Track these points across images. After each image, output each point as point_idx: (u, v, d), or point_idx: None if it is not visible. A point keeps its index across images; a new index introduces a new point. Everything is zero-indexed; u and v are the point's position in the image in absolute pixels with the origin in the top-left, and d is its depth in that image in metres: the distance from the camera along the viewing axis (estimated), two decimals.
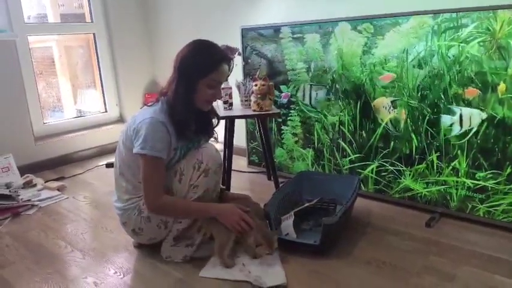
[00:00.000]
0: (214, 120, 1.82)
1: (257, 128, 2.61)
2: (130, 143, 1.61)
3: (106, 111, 3.52)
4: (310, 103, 2.42)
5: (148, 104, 1.68)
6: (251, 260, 1.64)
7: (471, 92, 1.85)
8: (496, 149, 1.83)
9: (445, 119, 1.94)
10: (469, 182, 1.93)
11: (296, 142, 2.54)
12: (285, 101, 2.50)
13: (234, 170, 2.50)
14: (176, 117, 1.61)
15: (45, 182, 2.65)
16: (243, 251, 1.69)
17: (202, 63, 1.60)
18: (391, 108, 2.10)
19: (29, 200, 2.37)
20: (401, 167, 2.12)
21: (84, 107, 3.53)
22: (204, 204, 1.66)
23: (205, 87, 1.62)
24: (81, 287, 1.58)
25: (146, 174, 1.58)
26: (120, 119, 3.59)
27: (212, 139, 1.84)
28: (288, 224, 1.79)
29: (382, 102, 2.12)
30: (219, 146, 2.28)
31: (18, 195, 2.39)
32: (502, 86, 1.77)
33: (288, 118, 2.54)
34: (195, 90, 1.62)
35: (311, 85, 2.39)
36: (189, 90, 1.61)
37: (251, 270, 1.58)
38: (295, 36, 2.38)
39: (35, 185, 2.60)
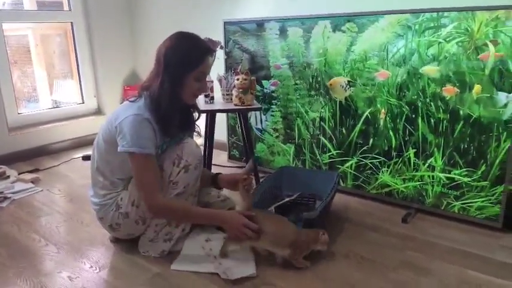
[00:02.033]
0: (195, 114, 1.80)
1: (238, 123, 2.60)
2: (112, 139, 1.56)
3: (83, 103, 3.45)
4: (262, 127, 2.55)
5: (130, 99, 1.62)
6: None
7: (449, 91, 1.88)
8: (472, 148, 1.88)
9: (501, 97, 1.77)
10: (444, 178, 1.97)
11: (277, 137, 2.54)
12: (272, 88, 2.49)
13: (215, 165, 2.48)
14: (161, 113, 1.56)
15: (18, 174, 2.58)
16: (217, 243, 1.68)
17: (189, 57, 1.56)
18: (348, 86, 2.16)
19: (1, 193, 2.30)
20: (379, 163, 2.15)
21: (61, 97, 3.45)
22: (207, 211, 1.67)
23: (192, 80, 1.59)
24: (56, 281, 1.54)
25: (139, 173, 1.54)
26: (98, 111, 3.52)
27: (195, 133, 1.82)
28: None
29: (339, 81, 2.18)
30: (200, 140, 2.26)
31: None
32: (477, 87, 1.81)
33: (270, 113, 2.54)
34: (182, 84, 1.58)
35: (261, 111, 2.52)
36: (176, 85, 1.57)
37: (222, 262, 1.58)
38: (278, 31, 2.38)
39: (8, 177, 2.52)
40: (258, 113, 2.60)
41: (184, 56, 1.56)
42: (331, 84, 2.23)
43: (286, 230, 1.58)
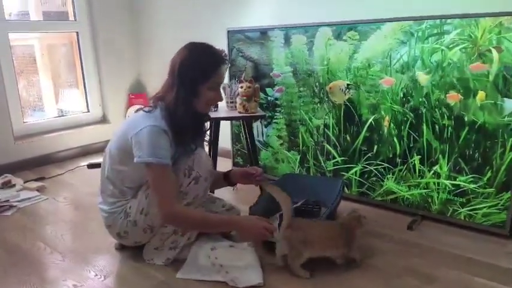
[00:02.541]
0: (207, 124, 1.81)
1: (242, 130, 2.61)
2: (127, 148, 1.56)
3: (88, 111, 3.47)
4: (263, 139, 2.57)
5: (146, 110, 1.61)
6: (229, 261, 1.62)
7: (453, 97, 1.88)
8: (477, 154, 1.87)
9: (508, 104, 1.77)
10: (450, 185, 1.96)
11: (281, 145, 2.55)
12: (277, 95, 2.50)
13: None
14: (177, 124, 1.56)
15: (24, 183, 2.59)
16: (223, 252, 1.68)
17: (204, 66, 1.57)
18: (347, 90, 2.18)
19: (7, 201, 2.31)
20: (384, 170, 2.15)
21: (66, 106, 3.47)
22: (223, 217, 1.69)
23: (207, 90, 1.60)
24: None
25: (156, 183, 1.54)
26: (103, 119, 3.54)
27: (205, 142, 1.83)
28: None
29: (339, 85, 2.20)
30: (205, 148, 2.27)
31: None
32: (481, 94, 1.81)
33: (274, 121, 2.54)
34: (197, 94, 1.59)
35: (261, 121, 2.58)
36: (191, 95, 1.58)
37: (228, 270, 1.57)
38: (281, 39, 2.39)
39: (13, 186, 2.54)
40: (259, 125, 2.61)
41: (199, 66, 1.57)
42: (330, 88, 2.25)
43: (332, 231, 1.59)
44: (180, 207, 1.57)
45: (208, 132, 1.83)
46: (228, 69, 2.64)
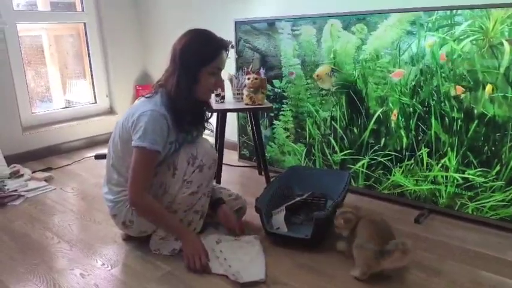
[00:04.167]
0: (207, 113, 1.81)
1: (249, 122, 2.60)
2: (127, 135, 1.58)
3: (96, 102, 3.48)
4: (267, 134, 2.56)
5: (146, 96, 1.64)
6: (233, 255, 1.62)
7: (458, 90, 1.86)
8: (486, 147, 1.85)
9: None
10: (458, 178, 1.94)
11: (287, 137, 2.54)
12: (291, 77, 2.45)
13: (225, 164, 2.49)
14: (177, 109, 1.58)
15: (32, 173, 2.62)
16: (228, 245, 1.69)
17: (203, 51, 1.58)
18: (333, 73, 2.23)
19: (15, 191, 2.33)
20: (391, 163, 2.13)
21: (74, 97, 3.48)
22: (180, 225, 1.65)
23: (208, 75, 1.60)
24: (68, 278, 1.56)
25: (138, 164, 1.55)
26: (110, 111, 3.55)
27: (209, 132, 1.83)
28: (279, 218, 1.79)
29: (326, 71, 2.26)
30: (211, 140, 2.27)
31: (5, 186, 2.36)
32: (489, 87, 1.78)
33: (280, 113, 2.53)
34: (197, 79, 1.59)
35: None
36: (192, 81, 1.59)
37: (231, 264, 1.57)
38: (289, 30, 2.37)
39: (22, 176, 2.56)
40: (266, 119, 2.60)
41: (199, 51, 1.58)
42: (318, 76, 2.28)
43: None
44: (149, 198, 1.59)
45: (211, 122, 1.82)
46: (235, 61, 2.63)
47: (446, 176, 1.98)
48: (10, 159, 2.70)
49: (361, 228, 1.52)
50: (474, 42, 1.79)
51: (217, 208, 1.80)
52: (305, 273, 1.55)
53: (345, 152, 2.29)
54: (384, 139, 2.14)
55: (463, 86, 1.85)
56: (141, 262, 1.65)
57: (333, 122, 2.31)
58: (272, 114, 2.57)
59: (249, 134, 2.72)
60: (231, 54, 2.50)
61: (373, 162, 2.20)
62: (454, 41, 1.84)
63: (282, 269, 1.57)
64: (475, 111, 1.84)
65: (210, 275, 1.54)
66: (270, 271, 1.56)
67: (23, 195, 2.31)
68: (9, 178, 2.50)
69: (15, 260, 1.68)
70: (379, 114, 2.13)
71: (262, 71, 2.31)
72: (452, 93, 1.88)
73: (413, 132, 2.04)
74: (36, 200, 2.28)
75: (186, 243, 1.61)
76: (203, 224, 1.75)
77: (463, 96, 1.86)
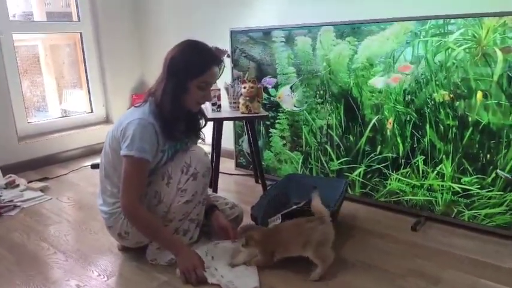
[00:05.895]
0: (202, 121, 1.81)
1: (245, 131, 2.61)
2: (117, 144, 1.58)
3: (92, 112, 3.48)
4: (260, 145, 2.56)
5: (136, 105, 1.64)
6: (224, 265, 1.62)
7: (453, 97, 1.88)
8: (481, 154, 1.86)
9: None
10: (454, 185, 1.95)
11: (284, 145, 2.54)
12: (270, 85, 2.51)
13: (222, 172, 2.49)
14: (164, 117, 1.58)
15: (28, 183, 2.60)
16: (219, 254, 1.68)
17: (193, 64, 1.57)
18: (292, 93, 2.40)
19: (11, 201, 2.32)
20: (387, 170, 2.14)
21: (70, 106, 3.48)
22: (172, 238, 1.63)
23: (196, 88, 1.60)
24: None
25: (128, 174, 1.54)
26: (106, 120, 3.55)
27: (200, 140, 1.82)
28: None
29: (285, 92, 2.44)
30: (207, 148, 2.27)
31: (0, 196, 2.34)
32: (479, 94, 1.80)
33: (276, 121, 2.54)
34: (185, 90, 1.59)
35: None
36: (178, 90, 1.58)
37: (223, 274, 1.56)
38: (284, 39, 2.39)
39: (17, 186, 2.54)
40: (262, 128, 2.60)
41: (188, 62, 1.57)
42: (279, 98, 2.44)
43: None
44: (143, 208, 1.57)
45: (204, 131, 1.82)
46: (231, 70, 2.64)
47: (442, 184, 1.98)
48: (6, 169, 2.69)
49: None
50: (467, 50, 1.81)
51: (210, 215, 1.80)
52: (300, 281, 1.55)
53: (342, 160, 2.30)
54: (379, 147, 2.15)
55: (457, 94, 1.86)
56: (138, 272, 1.64)
57: (329, 130, 2.32)
58: (268, 123, 2.58)
59: (245, 143, 2.72)
60: (227, 63, 2.52)
61: (369, 169, 2.20)
62: (447, 49, 1.86)
63: (278, 277, 1.56)
64: (470, 118, 1.86)
65: (206, 285, 1.53)
66: (266, 278, 1.55)
67: (18, 206, 2.29)
68: (4, 188, 2.49)
69: (11, 272, 1.67)
70: (374, 122, 2.14)
71: (270, 79, 2.35)
72: (447, 100, 1.89)
73: (408, 140, 2.05)
74: (32, 210, 2.27)
75: (181, 258, 1.59)
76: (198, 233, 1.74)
77: (457, 103, 1.87)
